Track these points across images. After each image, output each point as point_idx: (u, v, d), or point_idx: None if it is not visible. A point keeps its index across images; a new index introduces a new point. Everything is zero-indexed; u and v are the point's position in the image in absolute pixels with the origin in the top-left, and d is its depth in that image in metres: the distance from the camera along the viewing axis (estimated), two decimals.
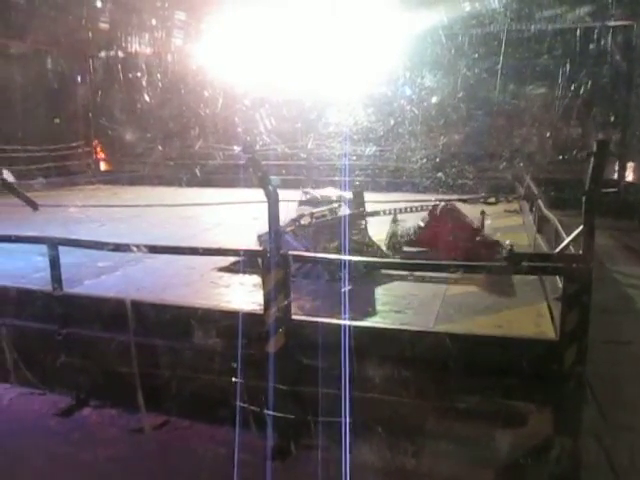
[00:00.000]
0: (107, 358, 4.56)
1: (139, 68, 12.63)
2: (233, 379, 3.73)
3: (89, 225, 8.86)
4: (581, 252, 3.33)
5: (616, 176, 15.03)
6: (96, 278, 5.94)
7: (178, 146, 11.78)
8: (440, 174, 7.14)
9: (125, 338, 4.39)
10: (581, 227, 3.35)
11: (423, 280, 5.55)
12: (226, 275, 6.18)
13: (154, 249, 5.00)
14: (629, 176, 15.03)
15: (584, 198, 3.28)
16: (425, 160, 7.45)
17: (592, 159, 3.20)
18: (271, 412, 3.57)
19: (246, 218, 8.53)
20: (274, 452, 3.64)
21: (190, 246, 4.87)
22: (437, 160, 7.07)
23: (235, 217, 9.72)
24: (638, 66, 12.82)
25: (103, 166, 16.10)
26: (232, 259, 6.25)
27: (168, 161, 11.94)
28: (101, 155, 16.08)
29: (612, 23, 9.40)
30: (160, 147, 11.77)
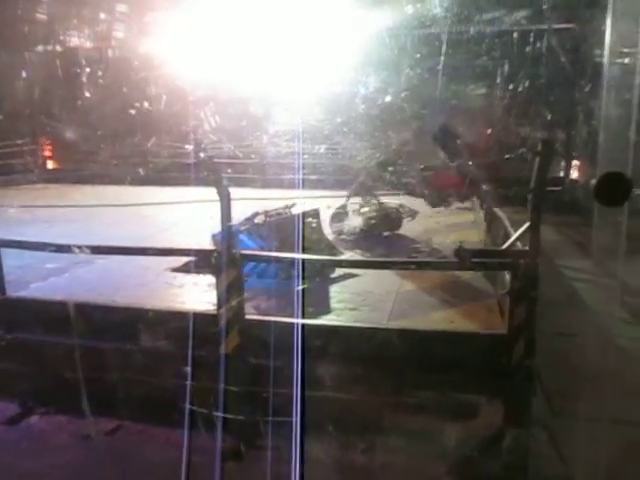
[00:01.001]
0: (54, 363, 4.42)
1: (82, 63, 12.22)
2: (185, 381, 3.66)
3: (37, 226, 8.54)
4: (527, 248, 3.43)
5: (562, 174, 15.57)
6: (43, 281, 5.73)
7: (127, 144, 11.48)
8: (386, 173, 7.25)
9: (72, 342, 4.26)
10: (527, 224, 3.44)
11: (377, 276, 5.60)
12: (180, 275, 6.08)
13: (99, 250, 4.85)
14: (574, 174, 15.59)
15: (530, 196, 3.38)
16: (371, 159, 7.54)
17: (537, 158, 3.30)
18: (220, 414, 3.53)
19: (203, 217, 8.41)
20: (225, 454, 3.60)
21: (140, 246, 4.76)
22: (382, 159, 7.16)
23: (192, 216, 9.56)
24: (580, 68, 13.29)
25: (50, 164, 15.55)
26: (185, 259, 6.16)
27: (118, 159, 11.63)
28: (48, 153, 15.53)
29: (556, 26, 9.71)
30: (109, 145, 11.45)
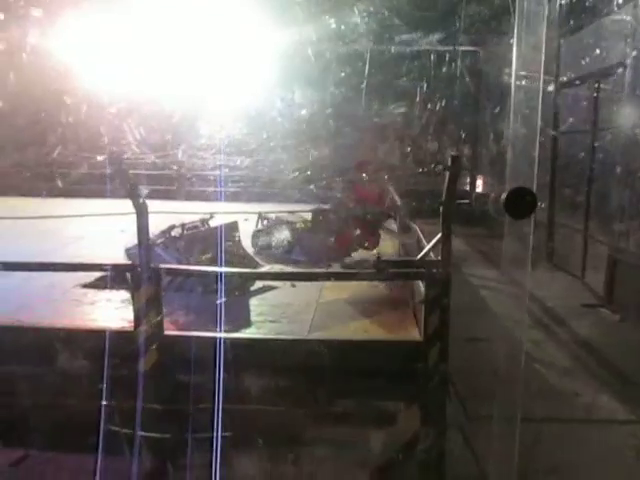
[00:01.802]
0: None
1: None
2: (102, 402, 3.50)
3: None
4: (440, 258, 3.61)
5: (468, 188, 16.50)
6: None
7: (35, 154, 10.83)
8: (311, 186, 7.36)
9: None
10: (439, 235, 3.62)
11: (297, 288, 5.65)
12: (91, 292, 5.82)
13: (8, 266, 4.54)
14: (479, 187, 16.58)
15: (441, 209, 3.56)
16: (297, 173, 7.63)
17: (447, 173, 3.49)
18: (144, 434, 3.41)
19: (112, 231, 8.09)
20: (147, 474, 3.48)
21: (51, 262, 4.50)
22: (307, 173, 7.28)
23: (100, 230, 9.17)
24: (484, 88, 14.21)
25: None
26: (96, 275, 5.91)
27: (23, 170, 10.93)
28: None
29: (462, 48, 10.32)
30: (12, 155, 10.74)
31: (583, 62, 10.11)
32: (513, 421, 3.85)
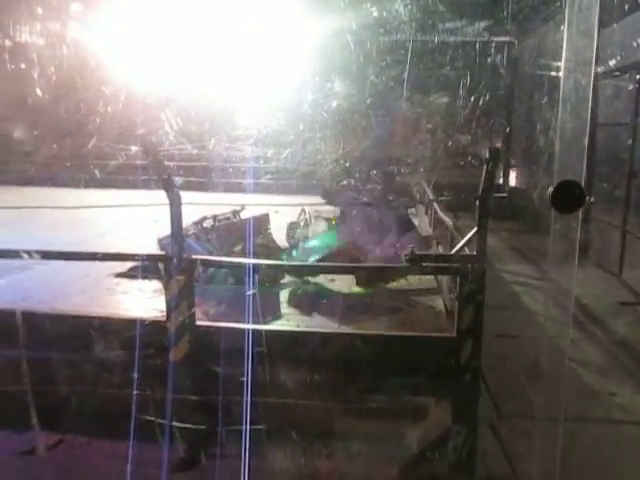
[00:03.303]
0: None
1: (29, 59, 11.60)
2: (135, 391, 3.55)
3: None
4: (475, 253, 3.54)
5: (501, 182, 16.20)
6: None
7: (73, 145, 11.02)
8: (349, 179, 7.30)
9: (13, 352, 4.05)
10: (475, 229, 3.55)
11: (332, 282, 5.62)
12: (124, 281, 5.92)
13: (47, 255, 4.63)
14: (512, 182, 16.26)
15: (478, 202, 3.48)
16: (335, 164, 7.59)
17: (485, 166, 3.41)
18: (179, 424, 3.44)
19: (146, 221, 8.20)
20: (182, 464, 3.52)
21: (87, 251, 4.58)
22: (346, 165, 7.21)
23: (134, 220, 9.30)
24: (518, 80, 13.88)
25: None
26: (130, 265, 5.99)
27: (62, 160, 11.13)
28: None
29: (496, 39, 10.10)
30: (53, 145, 10.94)
31: (624, 53, 9.79)
32: (543, 419, 3.78)
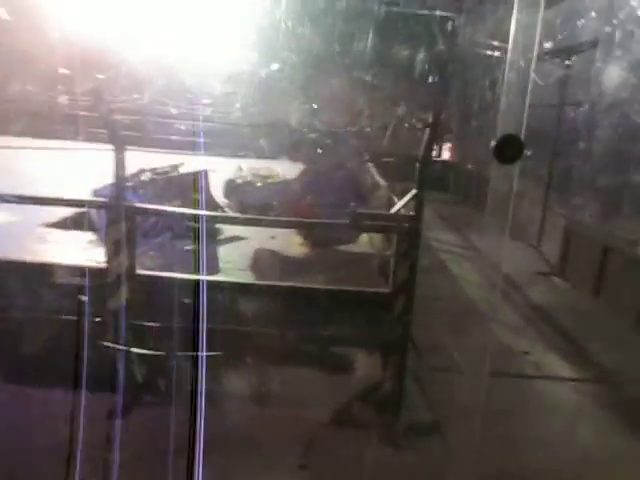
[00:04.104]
0: None
1: None
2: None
3: None
4: (412, 213, 3.73)
5: (434, 154, 16.73)
6: None
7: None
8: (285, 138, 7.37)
9: None
10: (413, 191, 3.73)
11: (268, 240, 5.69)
12: (56, 231, 5.75)
13: None
14: (444, 155, 16.82)
15: (418, 166, 3.65)
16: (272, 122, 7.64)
17: (426, 131, 3.57)
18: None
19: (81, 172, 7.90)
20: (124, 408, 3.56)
21: (29, 195, 4.38)
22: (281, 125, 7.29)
23: (64, 170, 8.92)
24: (457, 54, 14.23)
25: None
26: (60, 215, 5.83)
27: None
28: None
29: (438, 13, 10.27)
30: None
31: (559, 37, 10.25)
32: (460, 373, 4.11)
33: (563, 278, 8.31)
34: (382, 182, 6.20)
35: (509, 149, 2.06)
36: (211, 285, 4.03)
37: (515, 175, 2.27)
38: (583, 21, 9.13)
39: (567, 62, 10.11)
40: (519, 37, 2.16)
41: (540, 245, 10.16)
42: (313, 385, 3.95)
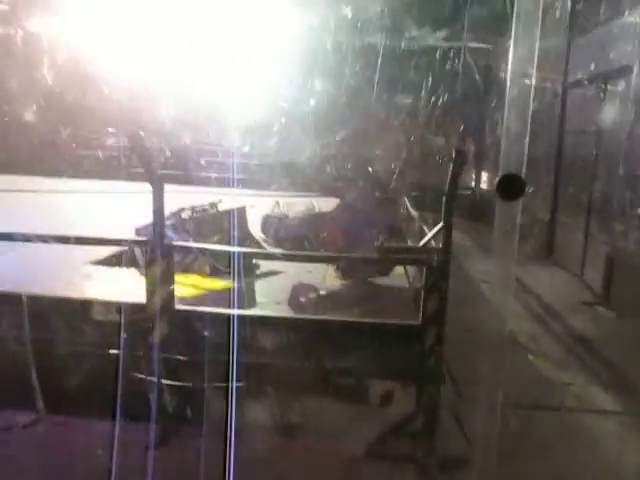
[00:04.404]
0: None
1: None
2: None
3: None
4: (441, 246, 3.78)
5: (473, 184, 16.65)
6: None
7: (45, 132, 10.98)
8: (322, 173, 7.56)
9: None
10: (441, 224, 3.79)
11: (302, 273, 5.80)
12: (102, 268, 6.01)
13: (26, 237, 4.70)
14: (484, 184, 16.72)
15: (444, 199, 3.72)
16: (308, 158, 7.84)
17: (451, 165, 3.65)
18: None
19: (123, 211, 8.26)
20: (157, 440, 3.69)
21: (75, 235, 4.64)
22: (317, 160, 7.47)
23: (109, 209, 9.33)
24: (491, 85, 14.30)
25: None
26: (106, 254, 6.10)
27: (42, 147, 11.10)
28: None
29: (472, 45, 10.45)
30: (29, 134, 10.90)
31: (593, 64, 10.21)
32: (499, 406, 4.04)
33: (607, 307, 8.09)
34: (416, 214, 6.25)
35: (511, 187, 2.13)
36: (248, 318, 4.17)
37: (518, 211, 2.32)
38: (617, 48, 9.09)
39: (603, 87, 10.03)
40: (517, 68, 2.25)
41: (583, 273, 9.92)
42: (344, 417, 3.98)
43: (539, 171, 12.84)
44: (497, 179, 2.10)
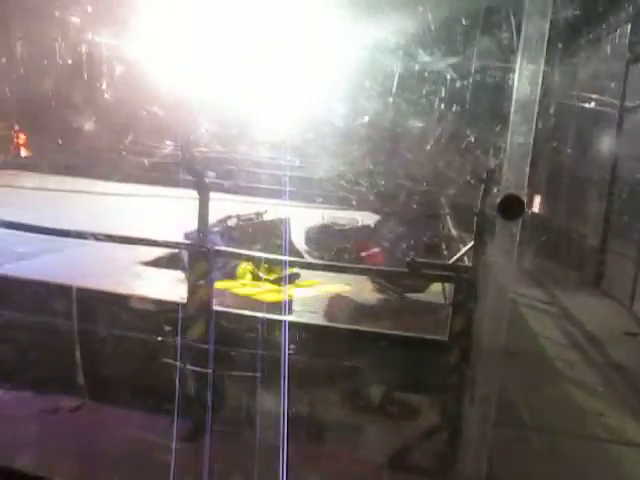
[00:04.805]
0: (22, 341, 4.63)
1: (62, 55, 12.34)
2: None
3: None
4: (470, 264, 3.86)
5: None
6: (13, 263, 5.90)
7: (109, 138, 11.64)
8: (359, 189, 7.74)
9: (38, 322, 4.49)
10: (472, 243, 3.87)
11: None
12: (150, 269, 6.33)
13: (82, 235, 5.07)
14: (535, 207, 16.42)
15: (475, 218, 3.81)
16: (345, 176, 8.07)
17: (483, 185, 3.74)
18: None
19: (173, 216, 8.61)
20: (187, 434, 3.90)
21: (122, 235, 4.98)
22: (353, 176, 7.72)
23: (165, 214, 9.74)
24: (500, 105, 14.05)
25: (24, 152, 15.47)
26: (155, 255, 6.42)
27: (100, 152, 11.77)
28: (22, 140, 15.42)
29: (497, 64, 10.40)
30: (90, 139, 11.57)
31: None
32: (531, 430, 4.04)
33: None
34: (455, 233, 6.32)
35: (511, 207, 2.23)
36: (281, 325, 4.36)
37: (518, 230, 2.41)
38: None
39: None
40: (524, 89, 2.34)
41: (633, 304, 9.64)
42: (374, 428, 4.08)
43: (590, 198, 12.59)
44: (497, 199, 2.22)
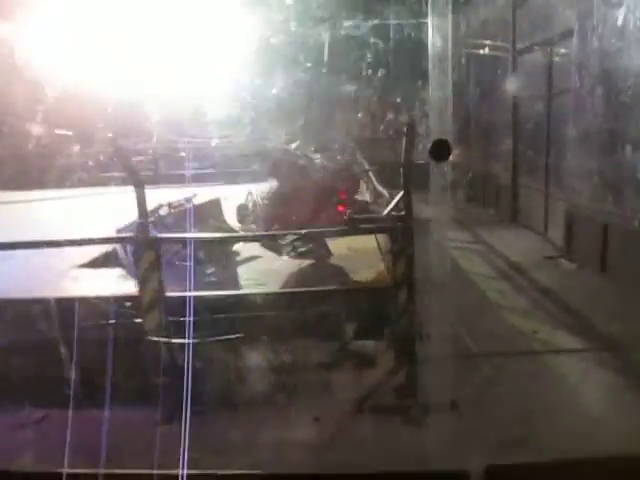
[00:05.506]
0: None
1: None
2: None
3: None
4: (403, 213, 4.14)
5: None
6: None
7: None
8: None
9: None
10: (401, 193, 4.15)
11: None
12: (88, 271, 6.24)
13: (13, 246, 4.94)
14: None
15: (402, 170, 4.08)
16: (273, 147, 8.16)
17: (404, 138, 4.00)
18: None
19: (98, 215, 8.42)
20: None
21: (56, 239, 4.91)
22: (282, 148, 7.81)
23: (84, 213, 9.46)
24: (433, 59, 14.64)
25: None
26: (90, 257, 6.32)
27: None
28: None
29: (410, 21, 10.77)
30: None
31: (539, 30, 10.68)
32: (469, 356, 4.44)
33: (569, 259, 8.61)
34: (380, 188, 6.63)
35: (441, 150, 2.51)
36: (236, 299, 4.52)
37: (448, 170, 2.70)
38: None
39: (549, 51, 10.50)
40: (435, 40, 2.59)
41: (547, 231, 10.46)
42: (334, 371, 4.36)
43: (498, 138, 13.36)
44: (429, 144, 2.48)
